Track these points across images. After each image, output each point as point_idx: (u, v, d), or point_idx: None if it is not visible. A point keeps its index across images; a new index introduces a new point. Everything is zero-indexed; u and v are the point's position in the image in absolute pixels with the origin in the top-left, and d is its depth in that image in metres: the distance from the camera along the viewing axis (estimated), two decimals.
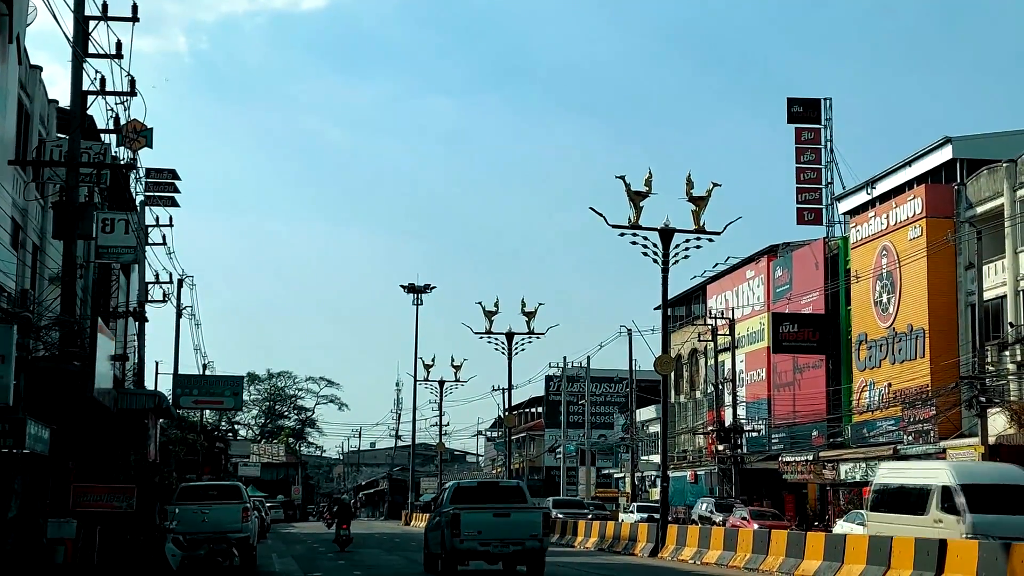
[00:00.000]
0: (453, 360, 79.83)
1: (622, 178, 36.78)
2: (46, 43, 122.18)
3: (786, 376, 58.28)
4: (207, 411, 64.03)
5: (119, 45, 24.22)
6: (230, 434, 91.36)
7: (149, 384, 50.34)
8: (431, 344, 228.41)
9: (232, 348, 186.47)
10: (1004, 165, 43.27)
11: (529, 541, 24.84)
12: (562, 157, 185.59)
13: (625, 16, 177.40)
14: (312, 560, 35.03)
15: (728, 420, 56.52)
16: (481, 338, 62.21)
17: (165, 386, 55.79)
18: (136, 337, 44.06)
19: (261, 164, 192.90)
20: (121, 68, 24.62)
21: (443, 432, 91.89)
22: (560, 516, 50.05)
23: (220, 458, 69.26)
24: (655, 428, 71.15)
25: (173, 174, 44.18)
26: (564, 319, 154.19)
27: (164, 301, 47.03)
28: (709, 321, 61.21)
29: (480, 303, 62.36)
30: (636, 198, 36.85)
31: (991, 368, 39.87)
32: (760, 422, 60.14)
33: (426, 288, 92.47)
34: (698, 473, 66.09)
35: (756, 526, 38.51)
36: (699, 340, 64.43)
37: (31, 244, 27.82)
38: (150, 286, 46.23)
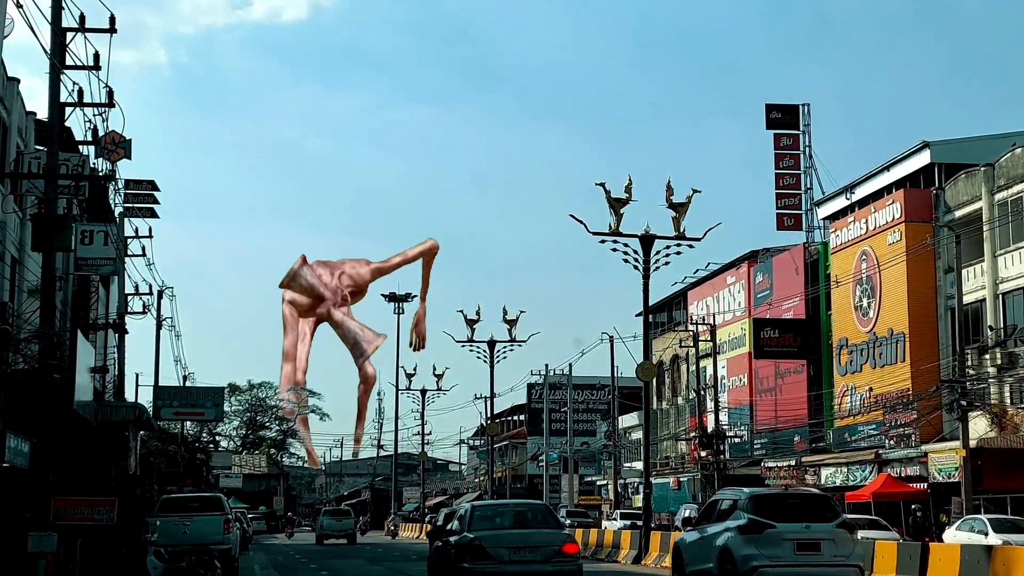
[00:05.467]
0: (435, 369, 79.82)
1: (602, 185, 36.83)
2: (23, 55, 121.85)
3: (768, 381, 58.39)
4: (188, 422, 63.78)
5: (97, 56, 24.11)
6: (211, 445, 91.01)
7: (129, 396, 50.19)
8: (412, 353, 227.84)
9: (212, 359, 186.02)
10: (982, 169, 43.46)
11: (350, 530, 60.05)
12: (542, 164, 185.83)
13: (603, 23, 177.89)
14: (294, 570, 34.93)
15: (710, 426, 56.56)
16: (463, 346, 62.16)
17: (145, 398, 55.64)
18: (116, 349, 43.89)
19: (241, 174, 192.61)
20: (99, 80, 24.50)
21: (426, 441, 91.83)
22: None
23: (201, 469, 68.95)
24: (637, 435, 71.12)
25: (152, 185, 44.09)
26: (545, 327, 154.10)
27: (144, 313, 46.90)
28: (690, 327, 61.28)
29: (462, 311, 62.31)
30: (616, 205, 36.86)
31: (971, 371, 40.02)
32: (742, 428, 60.24)
33: (407, 297, 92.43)
34: (681, 479, 66.10)
35: None
36: (680, 346, 64.49)
37: (9, 257, 27.71)
38: (130, 298, 46.10)
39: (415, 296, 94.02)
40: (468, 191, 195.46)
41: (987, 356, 41.02)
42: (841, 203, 55.46)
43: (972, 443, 38.12)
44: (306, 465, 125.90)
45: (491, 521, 19.79)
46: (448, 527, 21.18)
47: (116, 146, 29.59)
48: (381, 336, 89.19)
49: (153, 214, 44.40)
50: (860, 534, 35.01)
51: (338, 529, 60.52)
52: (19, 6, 20.57)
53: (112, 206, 39.07)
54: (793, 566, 18.31)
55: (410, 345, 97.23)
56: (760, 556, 18.28)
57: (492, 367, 62.35)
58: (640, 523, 39.83)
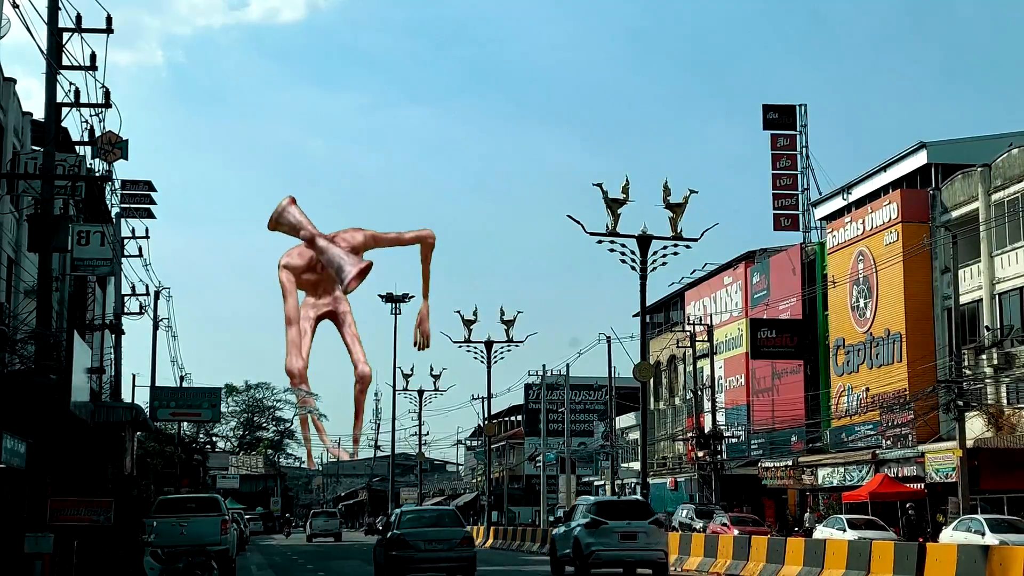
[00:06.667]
0: (432, 369, 79.83)
1: (599, 185, 36.86)
2: (20, 55, 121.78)
3: (765, 382, 58.38)
4: (185, 423, 63.71)
5: (93, 57, 24.04)
6: (208, 446, 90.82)
7: (126, 397, 50.12)
8: (410, 354, 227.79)
9: (210, 360, 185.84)
10: (979, 169, 43.47)
11: (336, 530, 69.44)
12: (539, 164, 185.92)
13: (601, 24, 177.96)
14: (291, 571, 34.95)
15: (707, 426, 56.57)
16: (460, 347, 62.13)
17: (142, 399, 55.52)
18: (112, 350, 43.85)
19: (238, 175, 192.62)
20: (96, 80, 24.45)
21: (423, 442, 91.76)
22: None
23: (198, 470, 68.96)
24: (635, 435, 71.09)
25: (149, 185, 44.01)
26: (543, 327, 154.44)
27: (140, 313, 46.85)
28: (687, 327, 61.28)
29: (459, 312, 62.30)
30: (613, 205, 36.88)
31: (968, 372, 40.02)
32: (739, 428, 60.22)
33: (404, 297, 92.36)
34: (678, 480, 66.09)
35: (736, 532, 38.51)
36: (678, 347, 64.46)
37: (6, 257, 27.69)
38: (126, 298, 46.05)
39: (412, 296, 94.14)
40: (466, 191, 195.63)
41: (984, 356, 41.02)
42: (838, 203, 55.48)
43: (969, 443, 38.12)
44: (304, 465, 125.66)
45: (413, 522, 26.52)
46: (388, 522, 28.59)
47: (113, 146, 29.56)
48: (365, 262, 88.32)
49: (150, 215, 44.31)
50: (857, 534, 35.33)
51: (326, 529, 69.54)
52: (15, 6, 20.55)
53: (109, 207, 38.98)
54: (618, 550, 26.51)
55: (414, 344, 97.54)
56: (596, 543, 26.32)
57: (489, 368, 62.33)
58: None
